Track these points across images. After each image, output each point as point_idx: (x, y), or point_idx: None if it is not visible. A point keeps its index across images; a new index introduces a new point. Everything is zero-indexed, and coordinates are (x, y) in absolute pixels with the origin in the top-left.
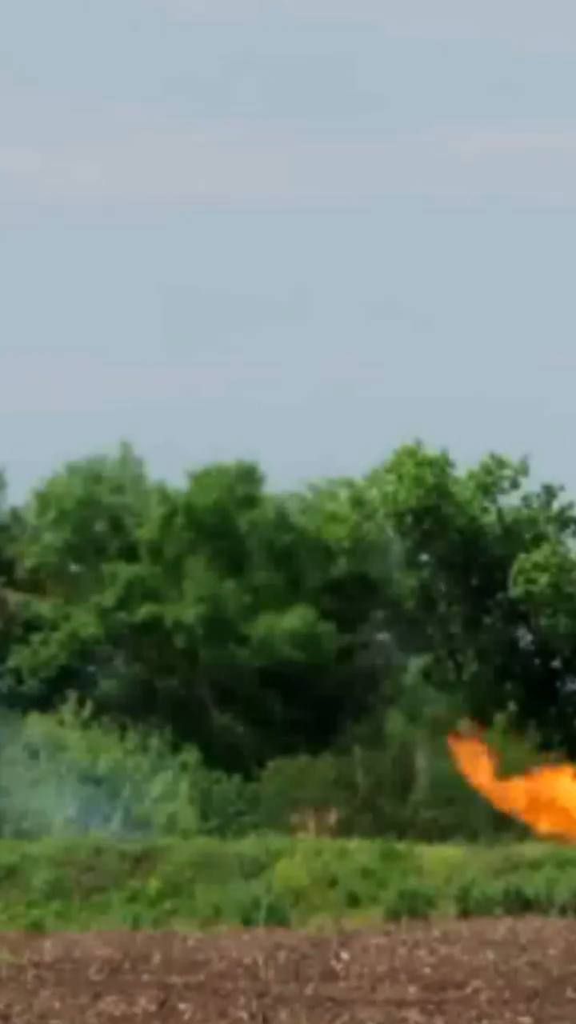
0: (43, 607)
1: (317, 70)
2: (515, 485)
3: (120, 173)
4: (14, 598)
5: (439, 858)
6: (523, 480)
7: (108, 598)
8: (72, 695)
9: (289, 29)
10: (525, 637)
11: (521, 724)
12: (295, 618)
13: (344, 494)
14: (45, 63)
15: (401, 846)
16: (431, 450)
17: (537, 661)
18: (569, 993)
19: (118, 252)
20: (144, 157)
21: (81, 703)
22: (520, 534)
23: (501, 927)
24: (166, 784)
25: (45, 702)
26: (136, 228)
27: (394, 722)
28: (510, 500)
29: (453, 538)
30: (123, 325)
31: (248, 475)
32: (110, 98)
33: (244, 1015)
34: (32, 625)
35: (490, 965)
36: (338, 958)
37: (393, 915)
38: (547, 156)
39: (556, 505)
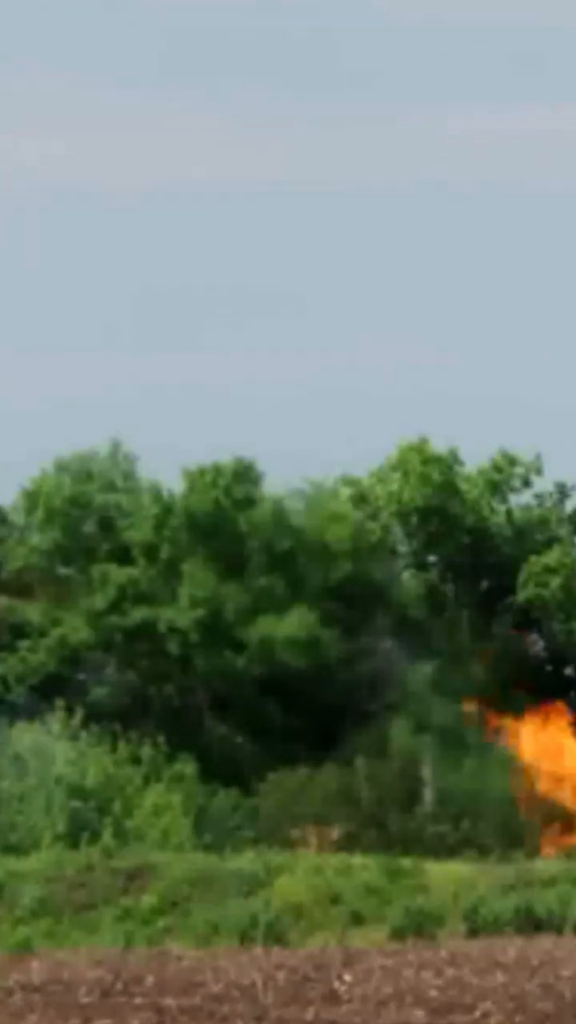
0: (31, 611)
1: (313, 51)
2: (526, 484)
3: (113, 161)
4: (0, 602)
5: (447, 875)
6: (535, 479)
7: (99, 602)
8: (61, 704)
9: (285, 10)
10: (536, 643)
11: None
12: (295, 623)
13: (346, 493)
14: (38, 49)
15: (407, 862)
16: (438, 446)
17: (548, 669)
18: None
19: (109, 242)
20: (137, 144)
21: (70, 712)
22: (531, 535)
23: (511, 947)
24: (160, 797)
25: (33, 711)
26: (130, 217)
27: (399, 732)
28: (521, 499)
29: (461, 539)
30: (115, 318)
31: (246, 473)
32: (103, 85)
33: None
34: (19, 631)
35: (500, 987)
36: (341, 980)
37: (398, 934)
38: (556, 140)
39: (569, 505)
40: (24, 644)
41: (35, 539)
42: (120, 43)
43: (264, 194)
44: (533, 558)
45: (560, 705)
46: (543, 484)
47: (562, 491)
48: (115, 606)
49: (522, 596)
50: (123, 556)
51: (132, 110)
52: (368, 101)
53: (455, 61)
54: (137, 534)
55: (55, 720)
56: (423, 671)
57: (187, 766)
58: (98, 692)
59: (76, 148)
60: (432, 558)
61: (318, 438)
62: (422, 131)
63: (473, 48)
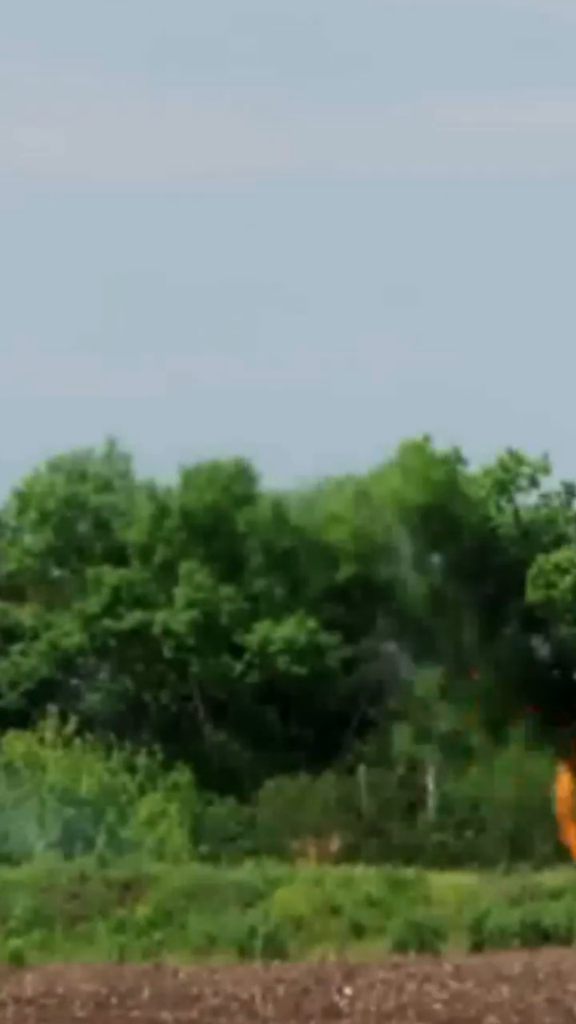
0: (23, 615)
1: (307, 36)
2: (533, 483)
3: (107, 154)
4: None
5: (450, 886)
6: (542, 478)
7: (93, 605)
8: (54, 710)
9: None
10: (543, 647)
11: (539, 740)
12: (295, 627)
13: (347, 492)
14: (26, 38)
15: (409, 873)
16: (442, 445)
17: (556, 673)
18: None
19: (105, 238)
20: (131, 136)
21: (63, 718)
22: (538, 536)
23: (517, 961)
24: (155, 806)
25: (25, 717)
26: (123, 212)
27: (402, 739)
28: (527, 499)
29: (466, 540)
30: (108, 311)
31: (244, 472)
32: (92, 75)
33: None
34: (11, 634)
35: (505, 1002)
36: (341, 993)
37: (401, 947)
38: (562, 131)
39: None
40: (16, 648)
41: (27, 540)
42: (111, 34)
43: (264, 188)
44: (540, 559)
45: None
46: (550, 483)
47: (570, 491)
48: (109, 609)
49: (529, 598)
50: (118, 557)
51: (125, 101)
52: (367, 91)
53: (453, 48)
54: (132, 534)
55: (48, 727)
56: (426, 676)
57: (183, 774)
58: (92, 698)
59: (70, 140)
60: (435, 560)
61: (318, 436)
62: (424, 123)
63: (471, 34)
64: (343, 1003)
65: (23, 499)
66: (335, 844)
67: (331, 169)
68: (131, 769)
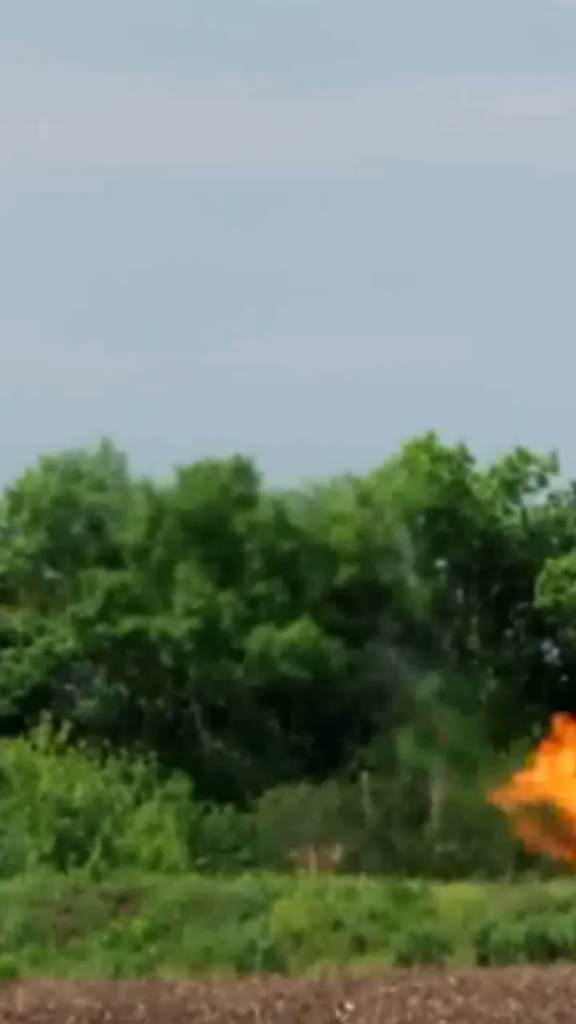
0: (15, 619)
1: (300, 24)
2: (542, 483)
3: (100, 146)
4: None
5: (456, 898)
6: (551, 477)
7: (87, 608)
8: (47, 717)
9: None
10: (551, 651)
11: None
12: (296, 631)
13: (350, 492)
14: (14, 30)
15: (413, 885)
16: (448, 443)
17: (564, 678)
18: None
19: (101, 233)
20: (133, 127)
21: (57, 725)
22: (547, 537)
23: (524, 975)
24: (151, 816)
25: (17, 724)
26: (121, 205)
27: (406, 746)
28: (536, 500)
29: (472, 542)
30: (105, 306)
31: (244, 472)
32: (84, 67)
33: None
34: (2, 639)
35: (512, 1017)
36: (343, 1009)
37: (404, 961)
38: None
39: None
40: (7, 653)
41: (20, 542)
42: (102, 25)
43: (266, 180)
44: (549, 562)
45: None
46: (559, 483)
47: None
48: (104, 613)
49: (537, 602)
50: (113, 559)
51: (122, 97)
52: (372, 81)
53: (467, 35)
54: (128, 536)
55: (41, 734)
56: (431, 681)
57: (180, 783)
58: (86, 705)
59: (67, 133)
60: (440, 562)
61: (320, 434)
62: (423, 113)
63: (486, 20)
64: (344, 1019)
65: (15, 499)
66: (337, 854)
67: (333, 161)
68: (127, 777)
